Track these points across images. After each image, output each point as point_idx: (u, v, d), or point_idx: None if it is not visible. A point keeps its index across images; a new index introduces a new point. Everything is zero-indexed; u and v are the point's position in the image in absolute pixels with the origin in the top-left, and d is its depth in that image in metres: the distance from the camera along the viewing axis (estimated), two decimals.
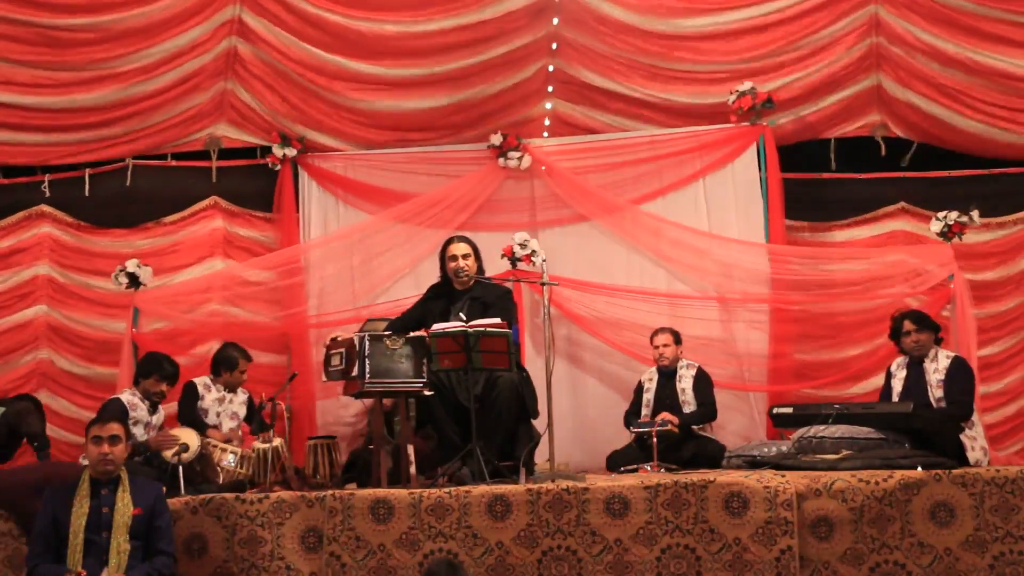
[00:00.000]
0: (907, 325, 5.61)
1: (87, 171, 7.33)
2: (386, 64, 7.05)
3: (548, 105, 7.47)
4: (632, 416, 6.36)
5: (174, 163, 7.49)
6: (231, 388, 5.90)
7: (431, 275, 5.88)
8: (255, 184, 7.49)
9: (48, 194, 7.31)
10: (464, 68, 7.08)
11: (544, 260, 6.47)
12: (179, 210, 7.38)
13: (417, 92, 7.20)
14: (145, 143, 7.32)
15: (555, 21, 6.97)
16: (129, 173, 7.37)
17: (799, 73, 7.25)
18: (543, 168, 7.29)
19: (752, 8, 6.99)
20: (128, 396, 5.55)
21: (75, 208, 7.33)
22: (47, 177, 7.31)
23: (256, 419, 5.84)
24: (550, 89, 7.40)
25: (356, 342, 4.95)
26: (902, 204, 7.46)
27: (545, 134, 7.56)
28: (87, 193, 7.32)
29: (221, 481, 5.16)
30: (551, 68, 7.26)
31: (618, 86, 7.32)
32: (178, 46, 6.79)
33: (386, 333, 5.04)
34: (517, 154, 7.21)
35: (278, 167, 7.33)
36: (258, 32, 6.97)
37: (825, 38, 7.11)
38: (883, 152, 7.55)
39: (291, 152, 7.30)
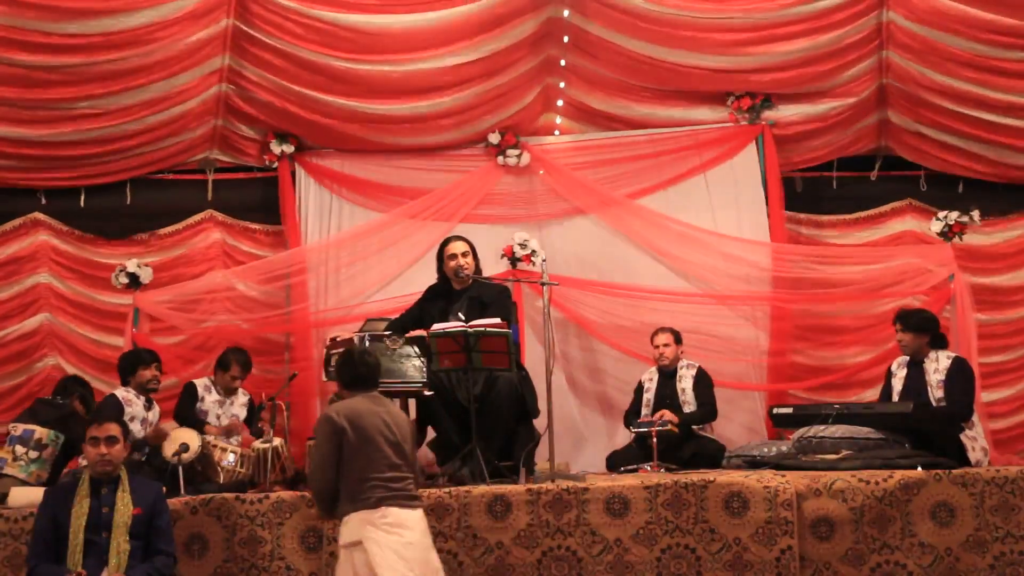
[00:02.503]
0: (896, 326, 5.64)
1: (83, 183, 7.28)
2: (386, 102, 6.99)
3: (559, 102, 7.45)
4: (632, 416, 6.35)
5: (171, 176, 7.47)
6: (227, 391, 5.90)
7: (431, 274, 5.88)
8: (252, 196, 7.48)
9: (44, 202, 7.27)
10: (467, 98, 7.03)
11: (544, 260, 6.46)
12: (176, 223, 7.35)
13: (419, 126, 7.16)
14: (138, 171, 7.30)
15: (565, 39, 6.96)
16: (128, 189, 7.36)
17: (807, 110, 7.22)
18: (541, 172, 7.30)
19: (764, 47, 6.92)
20: (123, 393, 5.55)
21: (71, 218, 7.28)
22: (43, 189, 7.26)
23: (255, 419, 5.85)
24: (560, 103, 7.42)
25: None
26: (909, 200, 7.45)
27: (557, 132, 7.56)
28: (83, 204, 7.28)
29: (221, 481, 5.15)
30: (562, 85, 7.27)
31: (619, 108, 7.32)
32: (165, 91, 6.72)
33: (386, 333, 5.04)
34: (516, 152, 7.22)
35: (275, 164, 7.31)
36: (250, 78, 6.90)
37: (837, 84, 7.07)
38: (875, 175, 7.56)
39: (288, 149, 7.28)
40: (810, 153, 7.45)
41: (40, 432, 5.21)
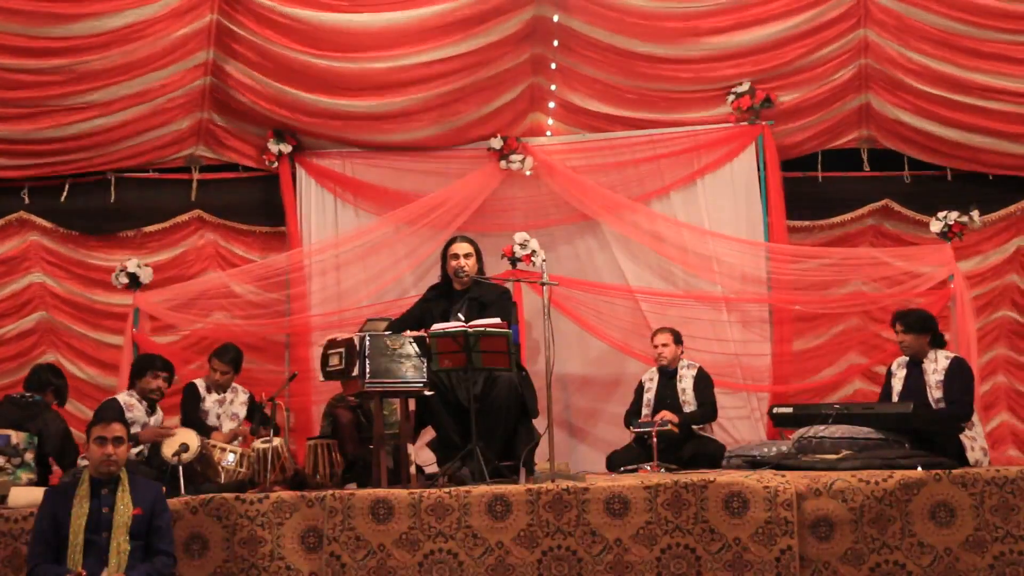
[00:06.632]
0: (896, 327, 5.63)
1: (67, 181, 7.29)
2: (370, 98, 7.00)
3: (551, 104, 7.45)
4: (632, 416, 6.36)
5: (155, 175, 7.46)
6: (219, 388, 5.89)
7: (432, 276, 5.88)
8: (240, 197, 7.49)
9: (27, 201, 7.27)
10: (450, 93, 7.03)
11: (544, 260, 6.46)
12: (162, 222, 7.36)
13: (403, 122, 7.17)
14: (124, 163, 7.30)
15: (555, 43, 7.00)
16: (112, 187, 7.35)
17: (789, 95, 7.24)
18: (529, 172, 7.30)
19: (744, 32, 6.96)
20: (125, 397, 5.55)
21: (56, 216, 7.27)
22: (27, 184, 7.26)
23: (257, 415, 5.84)
24: (551, 105, 7.43)
25: (356, 342, 4.94)
26: (885, 202, 7.46)
27: (548, 133, 7.55)
28: (63, 199, 7.27)
29: (221, 481, 5.15)
30: (553, 88, 7.29)
31: (608, 108, 7.33)
32: (147, 84, 6.74)
33: (386, 333, 5.04)
34: (519, 157, 7.20)
35: (275, 164, 7.30)
36: (234, 75, 6.92)
37: (815, 62, 7.10)
38: (866, 167, 7.57)
39: (286, 148, 7.26)
40: (794, 137, 7.43)
41: (16, 437, 5.21)
